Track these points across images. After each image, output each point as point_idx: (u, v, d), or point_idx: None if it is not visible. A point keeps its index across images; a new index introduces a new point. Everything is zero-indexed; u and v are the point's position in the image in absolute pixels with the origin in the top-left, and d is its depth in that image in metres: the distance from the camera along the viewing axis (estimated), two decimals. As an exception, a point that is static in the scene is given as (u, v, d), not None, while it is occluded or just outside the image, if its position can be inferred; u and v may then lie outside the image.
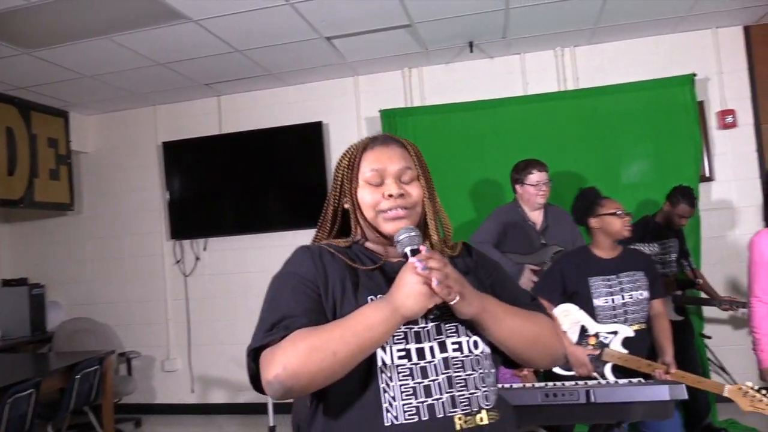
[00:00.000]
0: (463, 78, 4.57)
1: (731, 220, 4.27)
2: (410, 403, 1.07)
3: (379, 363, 1.09)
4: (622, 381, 2.29)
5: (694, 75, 4.17)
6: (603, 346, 2.52)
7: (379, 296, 1.11)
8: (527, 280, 3.10)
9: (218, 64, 4.18)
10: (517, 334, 1.15)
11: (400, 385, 1.08)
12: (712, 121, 4.30)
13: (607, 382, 2.35)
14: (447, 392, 1.09)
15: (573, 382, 2.16)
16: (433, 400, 1.08)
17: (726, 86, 4.30)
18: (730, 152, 4.29)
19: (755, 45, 4.31)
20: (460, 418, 1.07)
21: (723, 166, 4.31)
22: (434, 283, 1.01)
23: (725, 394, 2.23)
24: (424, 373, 1.09)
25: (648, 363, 2.48)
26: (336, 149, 4.74)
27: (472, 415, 1.09)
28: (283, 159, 4.79)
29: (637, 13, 3.89)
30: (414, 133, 4.40)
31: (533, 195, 3.27)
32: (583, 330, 2.56)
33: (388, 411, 1.07)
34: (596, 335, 2.53)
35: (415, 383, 1.08)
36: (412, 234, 1.12)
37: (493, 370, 1.17)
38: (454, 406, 1.08)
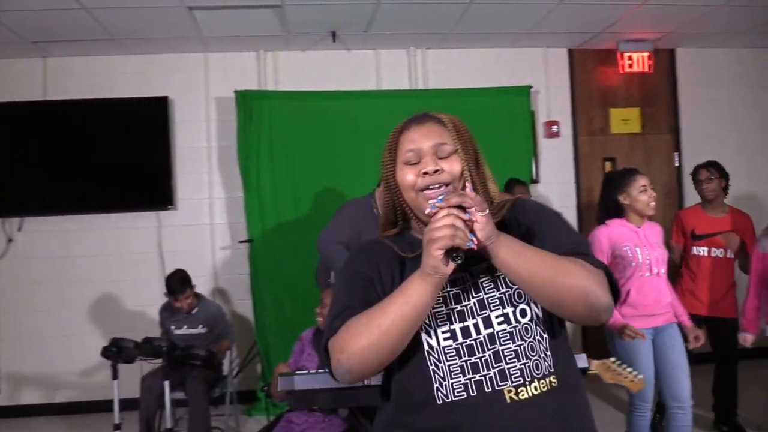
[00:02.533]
0: (319, 67, 4.78)
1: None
2: (459, 381, 1.14)
3: (426, 347, 1.16)
4: None
5: (530, 87, 4.89)
6: None
7: None
8: None
9: (54, 19, 3.87)
10: (545, 275, 1.09)
11: (449, 366, 1.15)
12: (540, 130, 5.05)
13: None
14: (495, 367, 1.14)
15: None
16: (480, 376, 1.14)
17: (552, 100, 5.06)
18: (553, 159, 5.07)
19: (576, 66, 5.13)
20: (510, 391, 1.12)
21: (547, 171, 5.06)
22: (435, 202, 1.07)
23: (592, 369, 2.55)
24: (470, 350, 1.15)
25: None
26: (181, 129, 4.68)
27: (524, 386, 1.13)
28: (118, 134, 4.56)
29: (486, 25, 4.42)
30: (270, 117, 4.53)
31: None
32: None
33: (438, 390, 1.14)
34: None
35: (462, 362, 1.15)
36: (442, 196, 1.12)
37: (545, 335, 1.18)
38: (504, 379, 1.13)
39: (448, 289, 1.18)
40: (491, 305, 1.17)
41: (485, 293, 1.18)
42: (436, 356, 1.16)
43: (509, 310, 1.17)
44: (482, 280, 1.20)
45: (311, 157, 4.58)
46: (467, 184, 1.21)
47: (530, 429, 1.12)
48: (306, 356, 2.70)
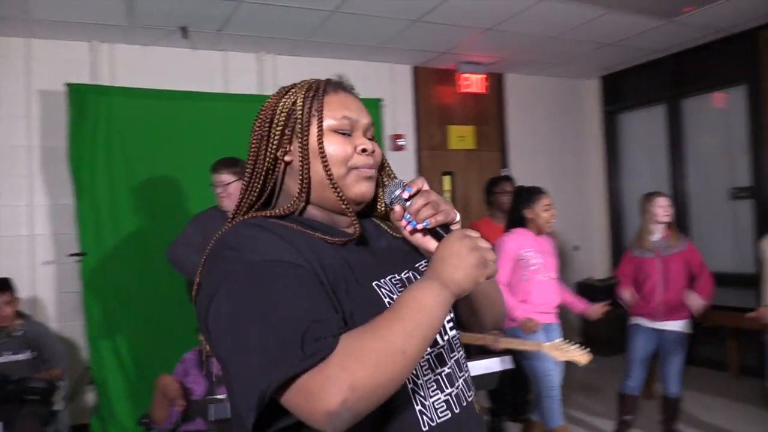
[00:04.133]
0: (161, 65, 4.50)
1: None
2: (439, 399, 0.98)
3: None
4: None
5: (381, 100, 5.11)
6: None
7: (382, 280, 0.99)
8: None
9: None
10: (488, 283, 1.05)
11: (425, 381, 0.98)
12: (386, 143, 5.30)
13: None
14: (460, 375, 1.04)
15: None
16: (455, 388, 1.01)
17: (397, 114, 5.36)
18: (398, 171, 5.31)
19: (420, 83, 5.48)
20: (476, 401, 1.05)
21: (393, 183, 5.34)
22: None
23: (544, 350, 2.75)
24: (441, 360, 1.01)
25: (480, 336, 2.89)
26: (-8, 123, 4.12)
27: (476, 393, 1.07)
28: None
29: (342, 36, 4.53)
30: (108, 115, 4.15)
31: (217, 196, 3.29)
32: None
33: (422, 414, 0.95)
34: None
35: (436, 375, 0.99)
36: (401, 184, 1.03)
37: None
38: (469, 389, 1.05)
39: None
40: None
41: None
42: (414, 372, 0.96)
43: (452, 313, 1.08)
44: None
45: (154, 160, 4.29)
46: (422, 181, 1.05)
47: None
48: (192, 378, 2.53)
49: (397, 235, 1.12)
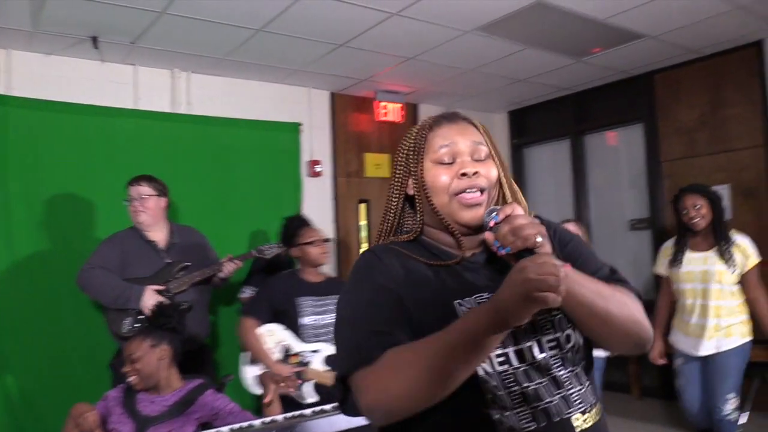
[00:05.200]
0: (66, 76, 4.19)
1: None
2: (524, 411, 1.04)
3: (481, 373, 1.04)
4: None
5: (300, 124, 5.05)
6: (304, 365, 2.83)
7: (466, 299, 1.09)
8: (151, 300, 3.05)
9: None
10: (601, 306, 1.08)
11: (508, 393, 1.05)
12: (303, 169, 5.23)
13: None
14: (557, 393, 1.08)
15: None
16: (545, 403, 1.06)
17: (315, 139, 5.31)
18: (315, 198, 5.29)
19: (337, 109, 5.49)
20: (577, 419, 1.08)
21: (309, 209, 5.25)
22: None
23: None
24: (528, 376, 1.07)
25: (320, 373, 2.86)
26: None
27: (587, 412, 1.10)
28: None
29: (262, 57, 4.45)
30: (4, 127, 3.81)
31: (131, 211, 3.28)
32: (287, 350, 2.86)
33: (501, 423, 1.03)
34: (298, 354, 2.85)
35: (522, 389, 1.05)
36: (494, 214, 1.09)
37: (584, 364, 1.16)
38: (568, 406, 1.08)
39: None
40: (543, 328, 1.11)
41: (536, 315, 1.06)
42: (494, 383, 1.05)
43: (559, 334, 1.12)
44: None
45: (57, 178, 3.96)
46: (516, 203, 1.14)
47: None
48: (116, 419, 2.29)
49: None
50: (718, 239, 3.39)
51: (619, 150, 5.75)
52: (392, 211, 1.23)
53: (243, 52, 4.34)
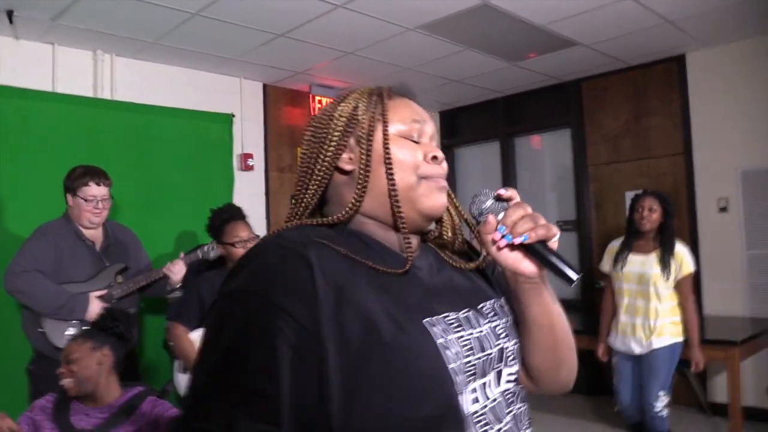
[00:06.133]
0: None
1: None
2: None
3: (466, 417, 0.84)
4: None
5: (232, 116, 4.86)
6: None
7: (433, 318, 0.85)
8: (97, 309, 2.85)
9: None
10: (563, 320, 0.98)
11: None
12: (235, 162, 5.04)
13: None
14: (519, 429, 0.93)
15: None
16: None
17: (247, 132, 5.14)
18: (246, 192, 5.11)
19: (270, 102, 5.33)
20: None
21: (240, 204, 5.04)
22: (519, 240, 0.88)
23: None
24: (496, 416, 0.89)
25: None
26: None
27: None
28: None
29: (195, 43, 4.24)
30: None
31: (87, 212, 2.96)
32: None
33: None
34: None
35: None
36: (497, 198, 0.93)
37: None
38: None
39: (474, 330, 0.90)
40: (508, 358, 0.93)
41: (502, 341, 0.93)
42: (471, 429, 0.84)
43: (518, 366, 0.96)
44: (495, 324, 0.94)
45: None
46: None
47: None
48: None
49: (461, 267, 1.00)
50: (661, 245, 3.55)
51: (547, 153, 5.93)
52: (313, 190, 0.94)
53: (175, 36, 4.11)
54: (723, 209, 4.75)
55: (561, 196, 5.75)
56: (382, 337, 0.79)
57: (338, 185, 0.95)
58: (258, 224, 5.12)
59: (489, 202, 0.94)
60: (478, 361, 0.86)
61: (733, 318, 4.59)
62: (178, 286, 3.20)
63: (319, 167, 0.94)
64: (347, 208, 0.92)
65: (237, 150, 5.02)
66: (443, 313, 0.87)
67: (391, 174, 0.91)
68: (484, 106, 6.18)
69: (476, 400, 0.85)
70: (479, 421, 0.85)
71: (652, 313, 3.50)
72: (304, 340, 0.77)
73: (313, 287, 0.79)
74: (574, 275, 0.88)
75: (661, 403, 3.46)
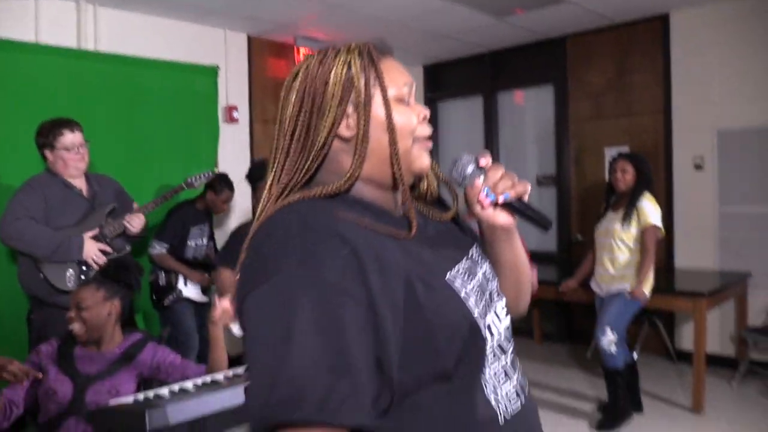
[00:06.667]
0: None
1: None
2: (509, 389, 0.95)
3: (488, 349, 0.92)
4: None
5: (217, 68, 4.86)
6: None
7: (452, 273, 0.93)
8: (93, 249, 2.96)
9: None
10: (524, 256, 1.09)
11: (495, 373, 0.94)
12: (220, 114, 5.06)
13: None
14: (516, 365, 1.00)
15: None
16: (516, 379, 0.98)
17: (231, 84, 5.14)
18: (231, 144, 5.15)
19: (254, 54, 5.31)
20: (530, 391, 1.03)
21: (225, 156, 5.11)
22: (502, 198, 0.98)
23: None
24: (502, 350, 0.96)
25: None
26: None
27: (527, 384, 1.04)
28: None
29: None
30: None
31: (71, 160, 3.03)
32: None
33: (498, 406, 0.92)
34: None
35: (502, 364, 0.96)
36: (475, 164, 1.02)
37: None
38: (524, 378, 1.02)
39: (475, 277, 0.98)
40: (495, 297, 1.00)
41: (491, 283, 1.01)
42: (485, 365, 0.92)
43: (504, 301, 1.04)
44: (485, 269, 1.03)
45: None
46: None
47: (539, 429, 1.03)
48: (52, 377, 2.19)
49: (440, 218, 1.06)
50: (627, 202, 3.81)
51: (529, 109, 6.02)
52: (312, 158, 0.94)
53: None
54: (698, 167, 4.91)
55: (542, 151, 5.88)
56: (417, 297, 0.84)
57: (335, 152, 0.95)
58: (243, 177, 5.18)
59: (470, 168, 1.03)
60: (483, 304, 0.94)
61: (704, 271, 4.82)
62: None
63: (320, 136, 0.93)
64: (349, 175, 0.92)
65: (222, 102, 5.04)
66: (454, 266, 0.95)
67: (395, 140, 0.93)
68: (468, 61, 6.21)
69: (490, 336, 0.93)
70: (489, 356, 0.93)
71: (615, 263, 3.82)
72: (364, 315, 0.79)
73: (358, 264, 0.81)
74: (548, 224, 1.01)
75: (608, 338, 3.71)
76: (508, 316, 1.02)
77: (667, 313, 4.83)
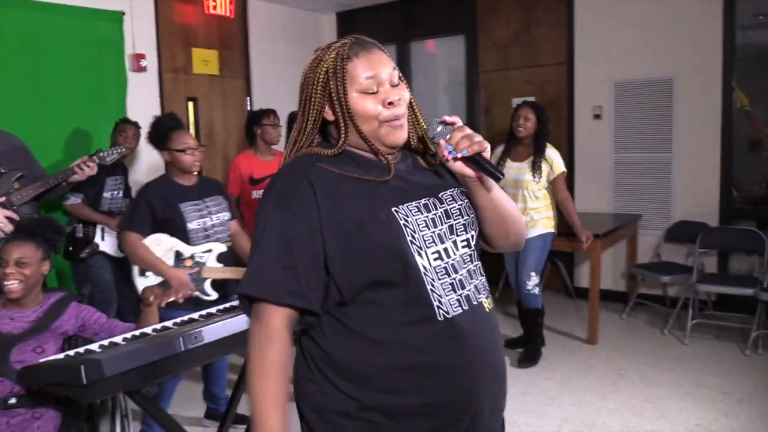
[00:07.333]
0: None
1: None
2: (453, 297, 1.24)
3: (421, 269, 1.22)
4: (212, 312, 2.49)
5: (123, 13, 4.64)
6: (200, 265, 2.85)
7: (401, 206, 1.24)
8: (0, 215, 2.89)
9: None
10: (506, 203, 1.35)
11: (441, 284, 1.24)
12: (127, 63, 4.87)
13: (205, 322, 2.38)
14: (470, 282, 1.29)
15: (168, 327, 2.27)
16: (467, 291, 1.27)
17: (138, 31, 4.93)
18: (139, 94, 4.98)
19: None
20: (485, 302, 1.31)
21: (134, 107, 4.94)
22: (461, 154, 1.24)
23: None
24: (454, 269, 1.27)
25: (244, 270, 2.89)
26: None
27: (488, 298, 1.33)
28: None
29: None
30: None
31: None
32: (178, 254, 2.83)
33: (438, 308, 1.22)
34: (192, 257, 2.83)
35: (451, 279, 1.25)
36: (443, 123, 1.27)
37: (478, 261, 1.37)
38: (479, 292, 1.30)
39: (430, 212, 1.28)
40: (458, 230, 1.31)
41: (453, 219, 1.31)
42: (431, 276, 1.23)
43: (469, 235, 1.33)
44: (450, 207, 1.32)
45: None
46: (448, 118, 1.29)
47: (498, 337, 1.34)
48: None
49: (430, 169, 1.37)
50: (534, 152, 3.98)
51: (440, 59, 6.16)
52: (306, 134, 1.32)
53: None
54: (597, 116, 5.26)
55: (452, 100, 6.07)
56: (362, 224, 1.20)
57: (330, 127, 1.32)
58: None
59: (439, 128, 1.28)
60: (433, 234, 1.26)
61: (600, 214, 5.23)
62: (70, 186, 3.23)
63: (309, 119, 1.31)
64: (339, 145, 1.29)
65: (128, 50, 4.85)
66: (408, 202, 1.27)
67: (358, 126, 1.26)
68: (381, 9, 6.25)
69: (438, 258, 1.25)
70: (440, 272, 1.25)
71: (526, 211, 4.01)
72: (313, 233, 1.21)
73: (315, 200, 1.21)
74: (498, 175, 1.27)
75: (532, 282, 4.03)
76: (467, 247, 1.32)
77: (568, 253, 5.24)
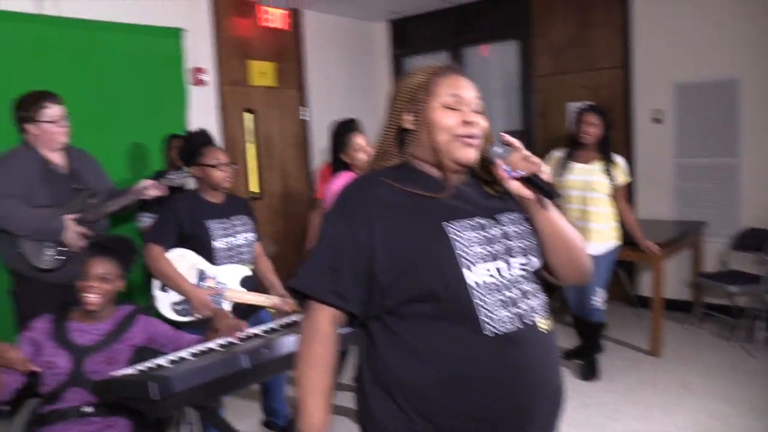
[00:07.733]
0: None
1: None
2: (504, 314, 1.27)
3: (471, 283, 1.26)
4: (263, 330, 2.54)
5: (181, 30, 4.79)
6: (222, 286, 2.86)
7: (453, 222, 1.30)
8: (74, 233, 2.98)
9: None
10: (568, 230, 1.39)
11: (492, 300, 1.27)
12: (186, 77, 5.01)
13: (261, 337, 2.46)
14: (524, 301, 1.32)
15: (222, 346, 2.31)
16: (520, 309, 1.30)
17: (196, 46, 5.08)
18: (199, 108, 5.12)
19: (218, 14, 5.25)
20: (541, 321, 1.33)
21: (194, 121, 5.10)
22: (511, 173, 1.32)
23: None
24: (506, 287, 1.30)
25: (266, 297, 2.93)
26: None
27: (545, 319, 1.35)
28: None
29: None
30: None
31: (55, 133, 3.04)
32: (201, 273, 2.85)
33: (486, 323, 1.25)
34: (214, 277, 2.87)
35: (502, 296, 1.29)
36: (504, 146, 1.35)
37: (539, 286, 1.41)
38: (534, 312, 1.33)
39: (484, 231, 1.33)
40: (514, 252, 1.35)
41: (510, 241, 1.35)
42: (481, 291, 1.27)
43: (526, 259, 1.37)
44: (509, 229, 1.37)
45: None
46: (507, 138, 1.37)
47: (554, 357, 1.36)
48: (49, 351, 2.27)
49: (495, 196, 1.42)
50: (602, 155, 3.87)
51: (494, 64, 6.11)
52: (387, 139, 1.42)
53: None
54: (657, 120, 5.12)
55: (508, 106, 6.01)
56: (413, 237, 1.29)
57: (408, 138, 1.40)
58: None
59: (499, 150, 1.35)
60: (485, 251, 1.31)
61: (662, 221, 5.08)
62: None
63: (391, 120, 1.42)
64: (408, 156, 1.40)
65: (188, 65, 5.00)
66: (461, 219, 1.32)
67: (433, 134, 1.35)
68: (433, 16, 6.24)
69: (491, 276, 1.29)
70: (491, 288, 1.29)
71: (597, 217, 3.83)
72: (364, 244, 1.30)
73: (371, 212, 1.31)
74: (554, 195, 1.33)
75: (599, 298, 3.92)
76: (524, 270, 1.36)
77: (628, 261, 5.11)
